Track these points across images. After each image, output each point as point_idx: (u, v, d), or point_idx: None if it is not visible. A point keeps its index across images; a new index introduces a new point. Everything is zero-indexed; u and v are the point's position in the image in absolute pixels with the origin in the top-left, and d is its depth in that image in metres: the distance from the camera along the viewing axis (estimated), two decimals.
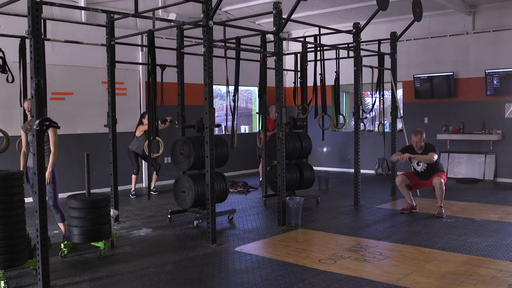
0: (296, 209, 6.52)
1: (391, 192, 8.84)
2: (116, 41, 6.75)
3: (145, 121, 8.79)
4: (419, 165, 7.20)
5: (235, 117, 6.90)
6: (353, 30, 7.88)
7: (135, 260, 5.10)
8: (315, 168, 8.88)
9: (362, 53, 8.09)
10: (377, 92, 8.73)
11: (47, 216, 4.21)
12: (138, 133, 8.75)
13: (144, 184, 9.89)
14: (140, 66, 9.77)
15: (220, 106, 12.96)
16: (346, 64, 8.65)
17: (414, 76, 11.09)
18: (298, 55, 8.79)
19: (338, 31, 8.11)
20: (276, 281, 4.44)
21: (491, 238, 5.80)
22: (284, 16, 6.49)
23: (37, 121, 4.02)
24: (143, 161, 9.30)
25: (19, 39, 5.50)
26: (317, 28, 8.04)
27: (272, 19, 6.61)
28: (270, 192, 8.31)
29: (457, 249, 5.35)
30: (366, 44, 8.89)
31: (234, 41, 7.23)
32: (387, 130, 9.41)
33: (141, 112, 9.48)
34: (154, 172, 9.00)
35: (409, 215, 7.17)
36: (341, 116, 8.36)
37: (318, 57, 8.14)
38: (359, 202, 7.95)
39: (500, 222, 6.62)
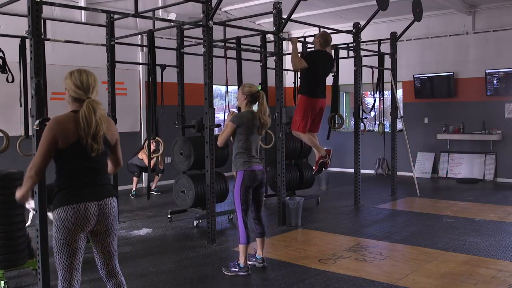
0: (296, 209, 6.51)
1: (391, 192, 8.83)
2: (116, 41, 6.75)
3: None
4: None
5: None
6: (353, 30, 7.88)
7: (135, 260, 5.10)
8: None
9: (362, 53, 8.09)
10: (377, 92, 8.72)
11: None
12: (140, 156, 8.77)
13: (144, 184, 9.88)
14: (140, 66, 9.77)
15: (220, 106, 12.94)
16: (346, 64, 8.64)
17: (414, 76, 11.09)
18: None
19: (338, 31, 8.10)
20: (276, 281, 4.44)
21: (491, 238, 5.80)
22: (284, 16, 6.49)
23: (37, 121, 4.02)
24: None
25: (19, 39, 5.49)
26: (317, 28, 8.03)
27: (272, 19, 6.61)
28: (270, 192, 8.31)
29: (457, 249, 5.35)
30: (366, 44, 8.88)
31: (234, 41, 7.23)
32: (387, 130, 9.41)
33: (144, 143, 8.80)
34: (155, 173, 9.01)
35: (409, 215, 7.16)
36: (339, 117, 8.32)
37: None
38: (359, 202, 7.94)
39: (500, 222, 6.62)
